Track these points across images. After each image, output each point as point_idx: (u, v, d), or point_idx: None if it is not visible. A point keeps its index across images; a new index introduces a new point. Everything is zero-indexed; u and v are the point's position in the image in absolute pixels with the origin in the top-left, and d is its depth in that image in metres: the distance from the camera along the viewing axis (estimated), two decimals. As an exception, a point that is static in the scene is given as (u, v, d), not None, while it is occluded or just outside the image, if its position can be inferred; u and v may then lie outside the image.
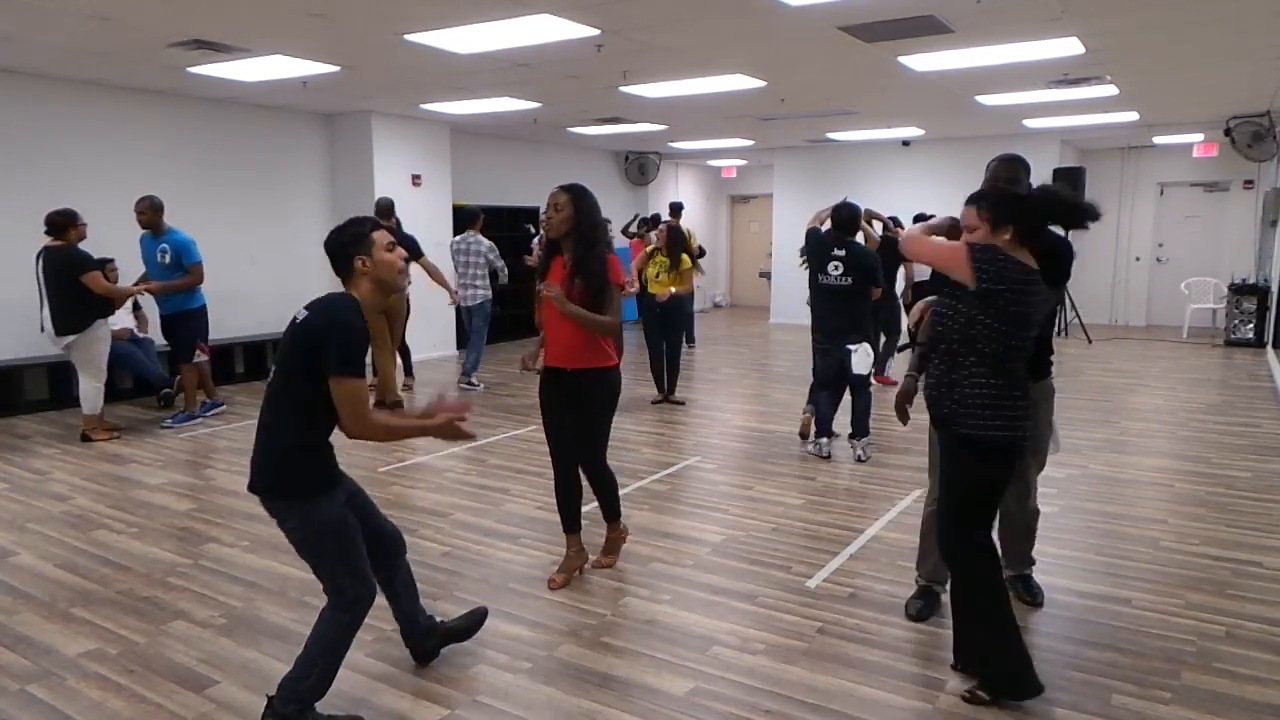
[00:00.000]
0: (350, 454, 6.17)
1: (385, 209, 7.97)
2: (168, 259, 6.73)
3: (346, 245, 2.66)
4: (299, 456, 2.61)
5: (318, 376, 2.51)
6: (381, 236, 2.69)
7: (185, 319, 6.96)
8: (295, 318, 2.63)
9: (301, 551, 2.66)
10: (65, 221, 6.37)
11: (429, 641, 3.13)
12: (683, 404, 7.85)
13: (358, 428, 2.55)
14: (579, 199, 3.62)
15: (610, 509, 4.02)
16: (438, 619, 3.19)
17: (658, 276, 7.73)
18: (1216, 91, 8.68)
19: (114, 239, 7.12)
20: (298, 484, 2.59)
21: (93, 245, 6.63)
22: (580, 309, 3.57)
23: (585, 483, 3.94)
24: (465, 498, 5.16)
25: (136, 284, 6.94)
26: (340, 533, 2.64)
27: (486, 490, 5.29)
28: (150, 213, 6.70)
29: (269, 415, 2.63)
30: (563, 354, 3.71)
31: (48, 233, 6.40)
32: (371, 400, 7.37)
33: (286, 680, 2.64)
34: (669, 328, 7.82)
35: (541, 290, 3.61)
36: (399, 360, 8.30)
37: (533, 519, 4.76)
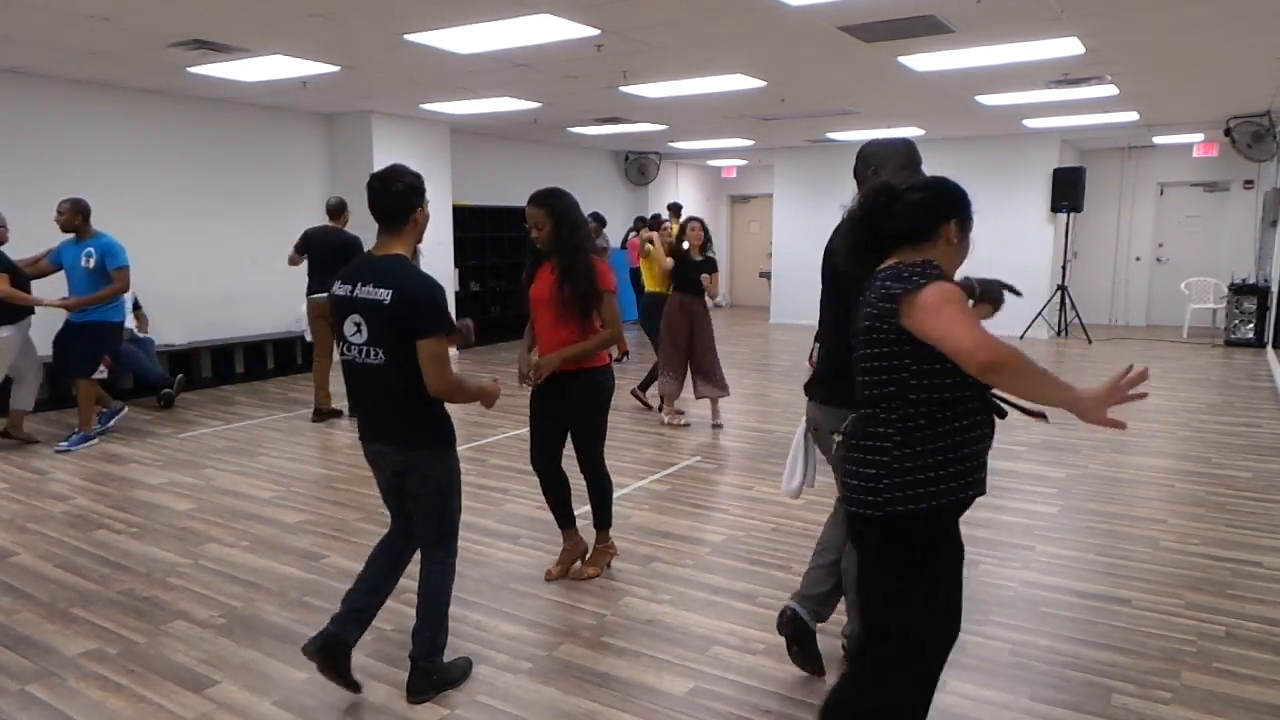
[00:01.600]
0: (349, 454, 6.17)
1: (335, 209, 7.37)
2: (92, 263, 6.17)
3: (407, 194, 2.79)
4: (439, 411, 2.85)
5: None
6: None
7: (99, 331, 6.38)
8: (358, 296, 2.73)
9: (428, 501, 2.90)
10: None
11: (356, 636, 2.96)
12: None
13: (443, 385, 2.73)
14: (555, 211, 3.57)
15: (602, 516, 3.98)
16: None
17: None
18: (1216, 91, 8.68)
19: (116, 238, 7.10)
20: (442, 436, 2.86)
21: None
22: (577, 348, 3.60)
23: (575, 485, 3.95)
24: (465, 498, 5.08)
25: (64, 298, 6.28)
26: (459, 480, 2.94)
27: (486, 490, 5.29)
28: (72, 214, 6.19)
29: (390, 392, 2.77)
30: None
31: None
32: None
33: (423, 640, 2.90)
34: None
35: (529, 370, 3.65)
36: None
37: (533, 519, 4.75)
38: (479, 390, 2.91)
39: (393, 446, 2.85)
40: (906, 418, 2.05)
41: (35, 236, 7.41)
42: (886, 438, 2.06)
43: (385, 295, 2.68)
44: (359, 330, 2.75)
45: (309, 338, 7.64)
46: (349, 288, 2.77)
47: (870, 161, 2.86)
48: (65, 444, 6.28)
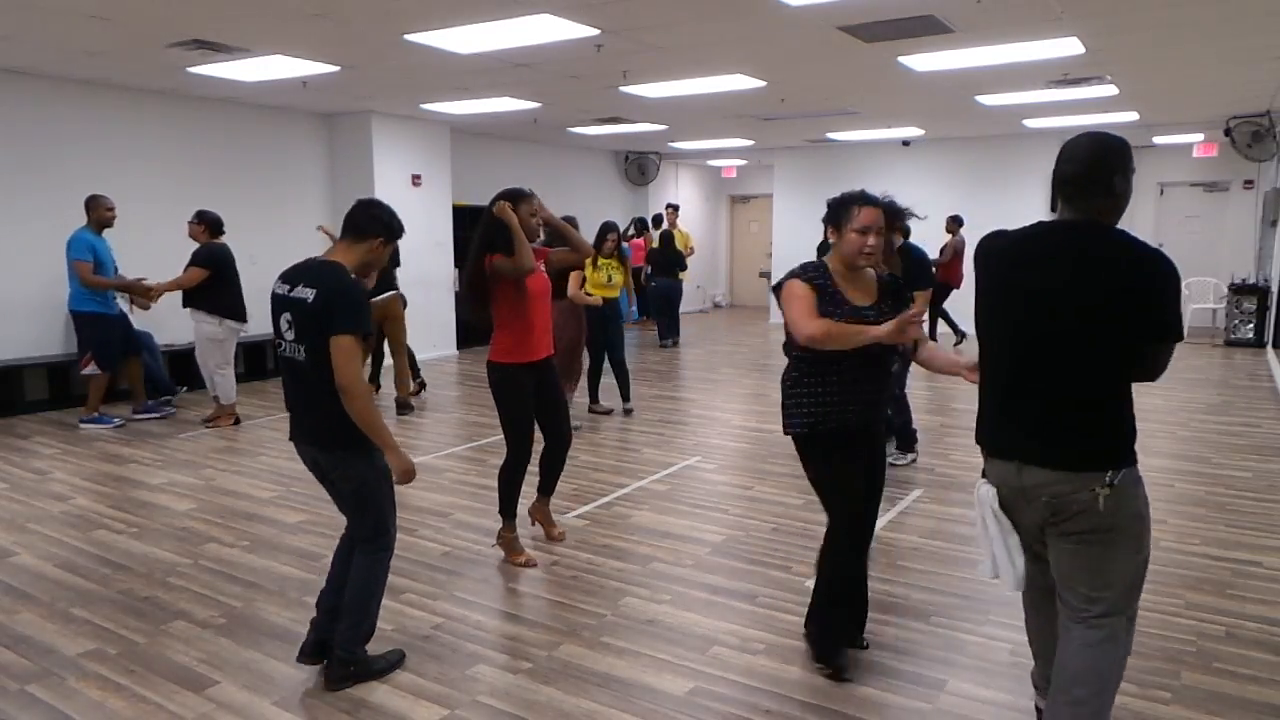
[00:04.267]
0: (350, 454, 6.17)
1: None
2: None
3: (375, 222, 2.98)
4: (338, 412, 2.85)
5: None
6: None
7: (78, 321, 6.83)
8: (291, 295, 2.85)
9: (352, 497, 2.97)
10: None
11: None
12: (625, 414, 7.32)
13: (345, 379, 2.75)
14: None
15: (556, 483, 4.38)
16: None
17: (610, 280, 7.10)
18: (1216, 91, 8.68)
19: (115, 238, 7.10)
20: (360, 435, 2.84)
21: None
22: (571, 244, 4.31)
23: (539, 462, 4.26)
24: (465, 498, 5.15)
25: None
26: (389, 478, 2.96)
27: (486, 490, 5.28)
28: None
29: (312, 390, 2.84)
30: (545, 344, 4.08)
31: None
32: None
33: (344, 629, 2.95)
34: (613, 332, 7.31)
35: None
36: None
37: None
38: (384, 431, 2.84)
39: (314, 446, 2.95)
40: (793, 368, 3.05)
41: (35, 236, 7.42)
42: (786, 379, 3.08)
43: (310, 294, 2.80)
44: (290, 328, 2.87)
45: None
46: (286, 287, 2.90)
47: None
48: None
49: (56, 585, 3.87)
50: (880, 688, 2.97)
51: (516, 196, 3.96)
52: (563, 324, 6.20)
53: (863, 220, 2.87)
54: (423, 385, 8.46)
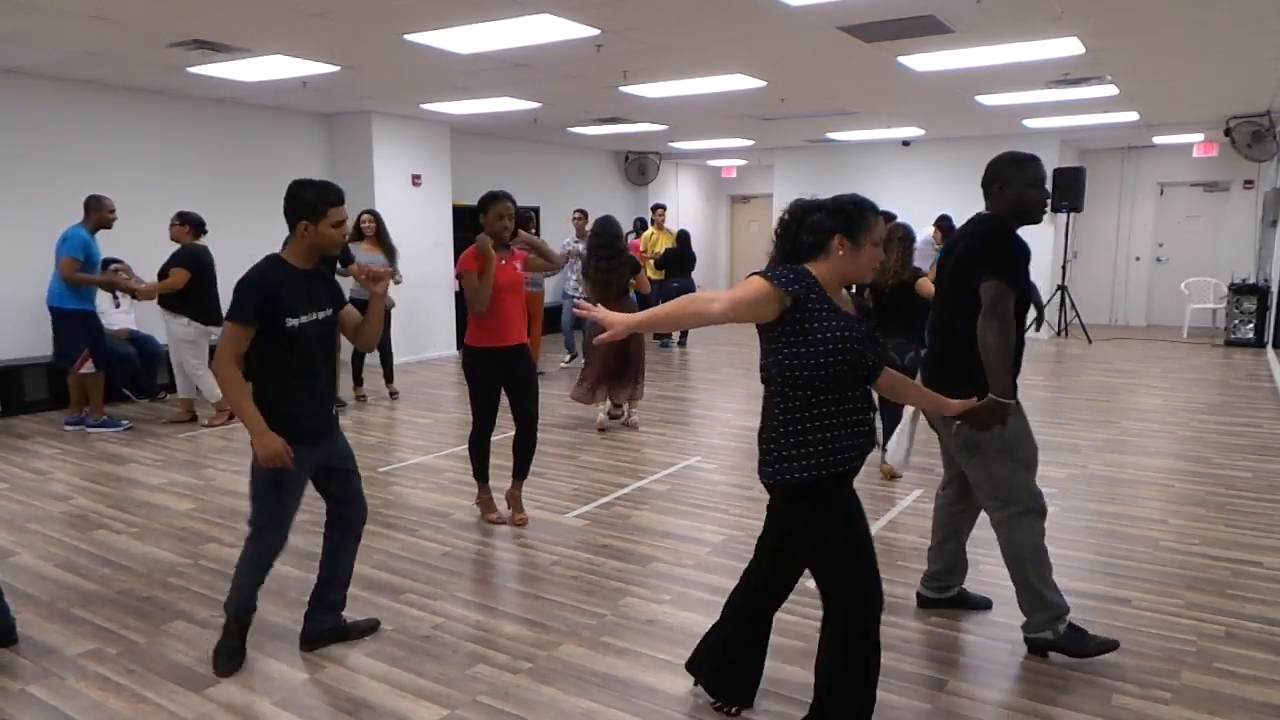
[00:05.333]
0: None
1: None
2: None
3: (289, 204, 3.03)
4: (258, 397, 2.93)
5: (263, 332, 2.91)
6: (337, 213, 3.04)
7: (58, 317, 6.68)
8: None
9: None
10: None
11: (326, 623, 3.30)
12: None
13: (217, 362, 2.89)
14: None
15: (529, 467, 4.71)
16: (347, 619, 3.38)
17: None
18: (1216, 91, 8.68)
19: (113, 239, 7.11)
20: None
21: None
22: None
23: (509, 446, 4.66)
24: (465, 498, 5.15)
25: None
26: (275, 474, 2.95)
27: (486, 490, 5.29)
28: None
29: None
30: (514, 332, 4.47)
31: None
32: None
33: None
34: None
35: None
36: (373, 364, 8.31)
37: (533, 519, 4.75)
38: (247, 416, 2.89)
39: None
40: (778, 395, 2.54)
41: (35, 236, 7.42)
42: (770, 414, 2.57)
43: None
44: None
45: None
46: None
47: (997, 177, 3.20)
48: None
49: (56, 585, 3.87)
50: (880, 687, 2.95)
51: (489, 200, 4.37)
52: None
53: (880, 231, 2.57)
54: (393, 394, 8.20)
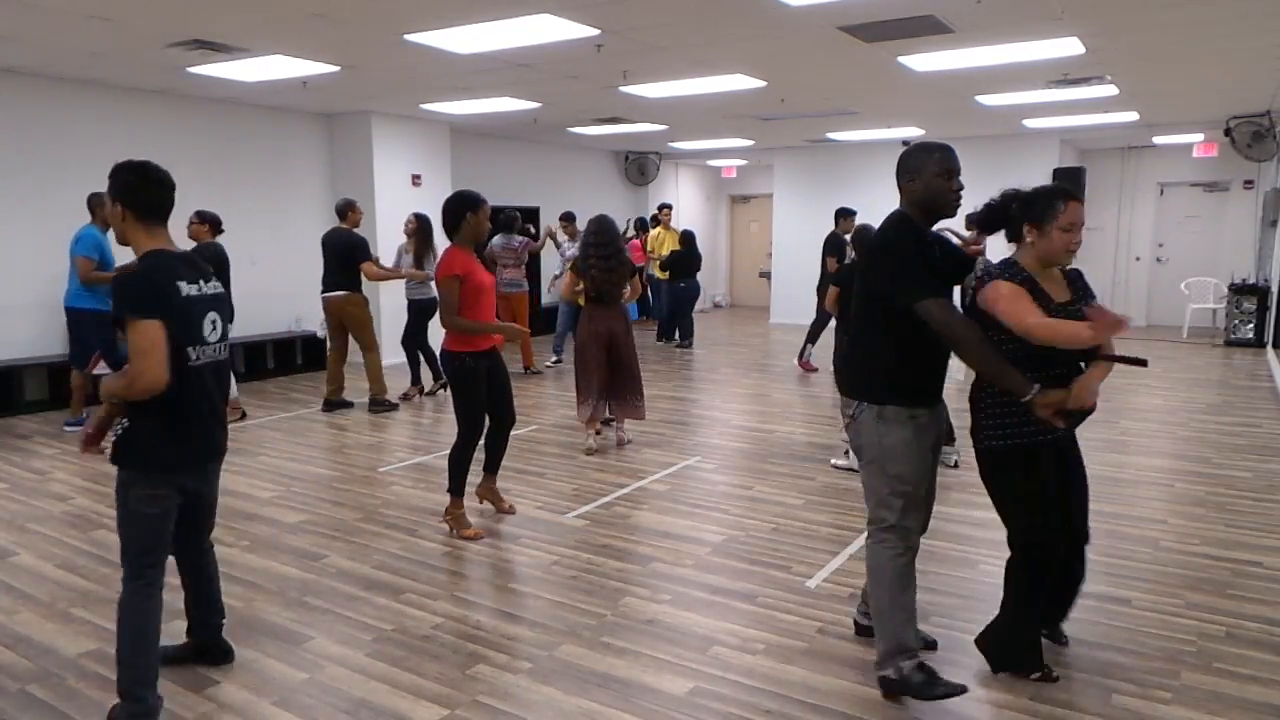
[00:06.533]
0: (349, 454, 6.17)
1: (341, 209, 7.60)
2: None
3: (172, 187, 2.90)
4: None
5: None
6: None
7: (76, 318, 6.69)
8: (210, 293, 2.75)
9: (214, 503, 3.04)
10: None
11: (208, 636, 3.17)
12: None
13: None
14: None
15: (500, 462, 4.78)
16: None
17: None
18: (1216, 91, 8.68)
19: (113, 237, 7.12)
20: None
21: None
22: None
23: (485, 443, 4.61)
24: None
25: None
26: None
27: (486, 490, 5.29)
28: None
29: (224, 389, 2.89)
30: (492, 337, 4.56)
31: None
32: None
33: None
34: None
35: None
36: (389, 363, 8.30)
37: (533, 519, 4.76)
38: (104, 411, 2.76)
39: (219, 460, 2.94)
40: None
41: (35, 236, 7.43)
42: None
43: (219, 286, 2.80)
44: (214, 329, 2.75)
45: (320, 333, 7.88)
46: (197, 286, 2.69)
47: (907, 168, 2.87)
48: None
49: (56, 585, 3.87)
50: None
51: (477, 200, 4.45)
52: (595, 333, 6.07)
53: (1070, 217, 2.77)
54: (421, 391, 8.29)
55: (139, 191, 2.73)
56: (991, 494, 2.99)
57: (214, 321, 2.74)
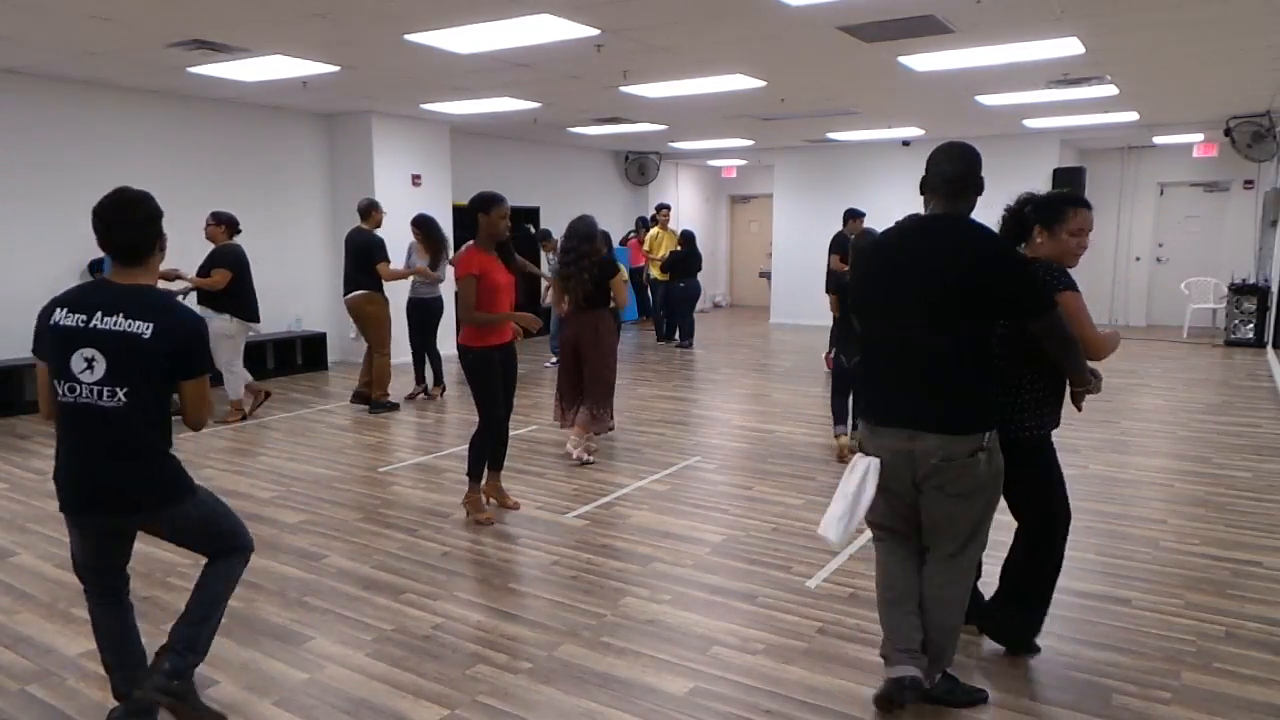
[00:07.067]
0: (349, 454, 6.17)
1: (363, 210, 7.65)
2: None
3: (150, 223, 2.55)
4: (173, 459, 2.61)
5: (174, 382, 2.53)
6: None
7: None
8: (104, 329, 2.44)
9: (203, 528, 2.69)
10: None
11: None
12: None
13: (205, 414, 2.65)
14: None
15: (503, 459, 4.87)
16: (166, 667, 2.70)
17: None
18: (1216, 91, 8.68)
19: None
20: (187, 480, 2.63)
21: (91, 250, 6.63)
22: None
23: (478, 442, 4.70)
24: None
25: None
26: (205, 491, 2.74)
27: (486, 490, 5.29)
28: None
29: (127, 442, 2.48)
30: (507, 330, 4.68)
31: None
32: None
33: (194, 632, 2.72)
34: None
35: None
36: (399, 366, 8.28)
37: (533, 519, 4.76)
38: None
39: (128, 514, 2.55)
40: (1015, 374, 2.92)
41: (35, 235, 7.43)
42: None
43: (144, 329, 2.42)
44: (90, 367, 2.43)
45: (352, 335, 7.99)
46: (82, 318, 2.46)
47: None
48: None
49: (56, 585, 3.87)
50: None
51: (492, 200, 4.52)
52: (583, 340, 5.91)
53: (1079, 222, 2.89)
54: (423, 392, 8.25)
55: (99, 236, 2.53)
56: (1018, 484, 2.93)
57: (90, 360, 2.43)
